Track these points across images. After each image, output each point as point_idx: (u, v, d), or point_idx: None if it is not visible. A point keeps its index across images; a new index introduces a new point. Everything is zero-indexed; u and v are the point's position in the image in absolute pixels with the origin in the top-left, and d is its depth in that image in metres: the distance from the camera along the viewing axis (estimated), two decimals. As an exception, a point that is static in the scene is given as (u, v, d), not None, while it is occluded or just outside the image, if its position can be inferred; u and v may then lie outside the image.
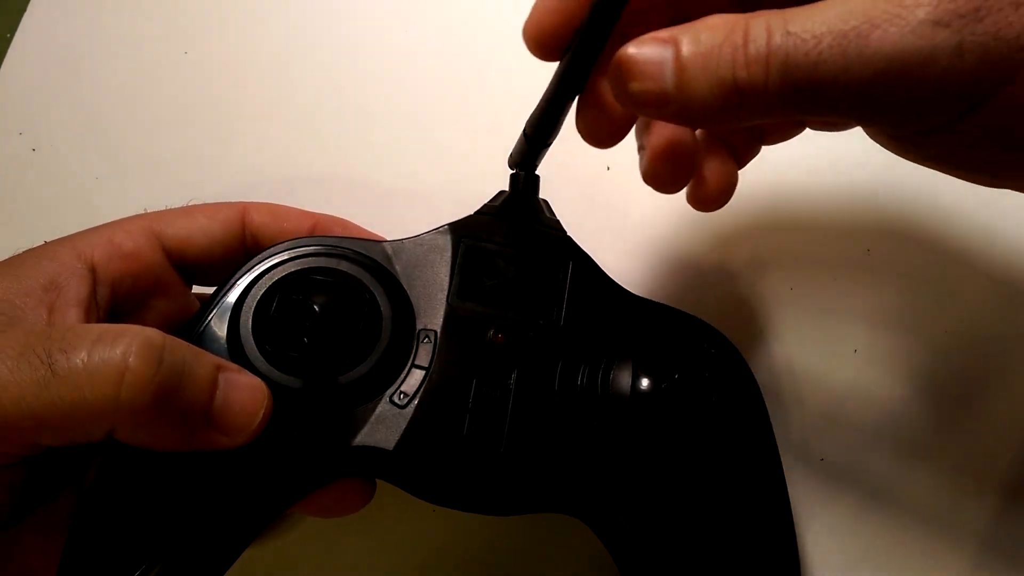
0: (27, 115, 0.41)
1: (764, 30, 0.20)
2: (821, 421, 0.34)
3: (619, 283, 0.29)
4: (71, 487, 0.25)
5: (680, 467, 0.26)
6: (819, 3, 0.21)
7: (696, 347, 0.27)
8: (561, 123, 0.26)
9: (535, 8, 0.25)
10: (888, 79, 0.20)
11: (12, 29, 0.43)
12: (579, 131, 0.27)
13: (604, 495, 0.25)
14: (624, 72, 0.22)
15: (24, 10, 0.44)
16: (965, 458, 0.33)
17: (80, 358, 0.21)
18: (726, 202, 0.30)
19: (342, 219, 0.31)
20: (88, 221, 0.38)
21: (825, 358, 0.35)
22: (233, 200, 0.30)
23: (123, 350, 0.21)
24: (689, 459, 0.26)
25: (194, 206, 0.29)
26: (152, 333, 0.22)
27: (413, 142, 0.40)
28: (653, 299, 0.29)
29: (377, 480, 0.27)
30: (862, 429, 0.33)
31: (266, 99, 0.41)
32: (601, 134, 0.27)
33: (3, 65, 0.42)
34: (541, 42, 0.25)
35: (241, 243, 0.29)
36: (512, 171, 0.29)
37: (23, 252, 0.26)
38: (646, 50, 0.21)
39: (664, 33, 0.22)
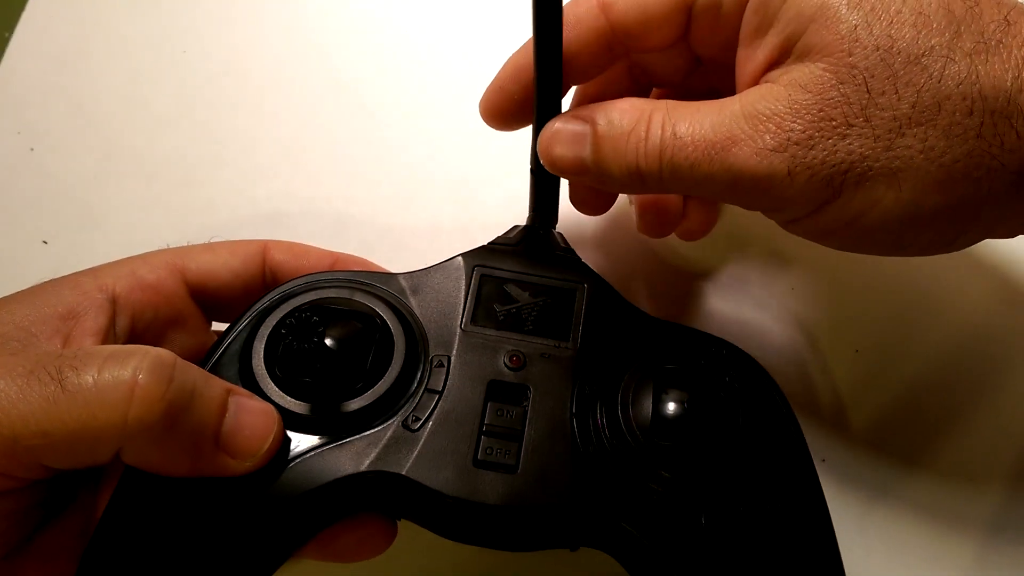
0: (25, 115, 0.41)
1: (660, 127, 0.25)
2: (821, 421, 0.33)
3: (631, 302, 0.28)
4: (76, 518, 0.25)
5: (710, 492, 0.24)
6: (706, 105, 0.25)
7: (718, 368, 0.26)
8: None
9: (485, 93, 0.30)
10: (741, 187, 0.24)
11: (11, 29, 0.43)
12: (572, 203, 0.32)
13: (628, 525, 0.24)
14: (550, 140, 0.26)
15: (23, 10, 0.44)
16: (966, 457, 0.33)
17: (91, 375, 0.21)
18: (709, 231, 0.34)
19: (361, 258, 0.31)
20: (86, 221, 0.38)
21: (825, 358, 0.35)
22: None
23: (134, 367, 0.21)
24: (719, 483, 0.24)
25: (216, 243, 0.30)
26: (163, 353, 0.22)
27: (416, 154, 0.40)
28: (656, 302, 0.29)
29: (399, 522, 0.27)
30: (862, 429, 0.33)
31: (266, 99, 0.41)
32: (591, 204, 0.32)
33: (2, 65, 0.42)
34: (494, 116, 0.30)
35: (261, 279, 0.29)
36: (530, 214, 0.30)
37: (46, 281, 0.26)
38: (569, 125, 0.26)
39: (584, 111, 0.26)
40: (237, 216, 0.38)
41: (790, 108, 0.23)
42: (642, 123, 0.25)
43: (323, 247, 0.31)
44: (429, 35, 0.43)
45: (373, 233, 0.38)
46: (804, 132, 0.23)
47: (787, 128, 0.23)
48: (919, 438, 0.33)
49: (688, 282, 0.36)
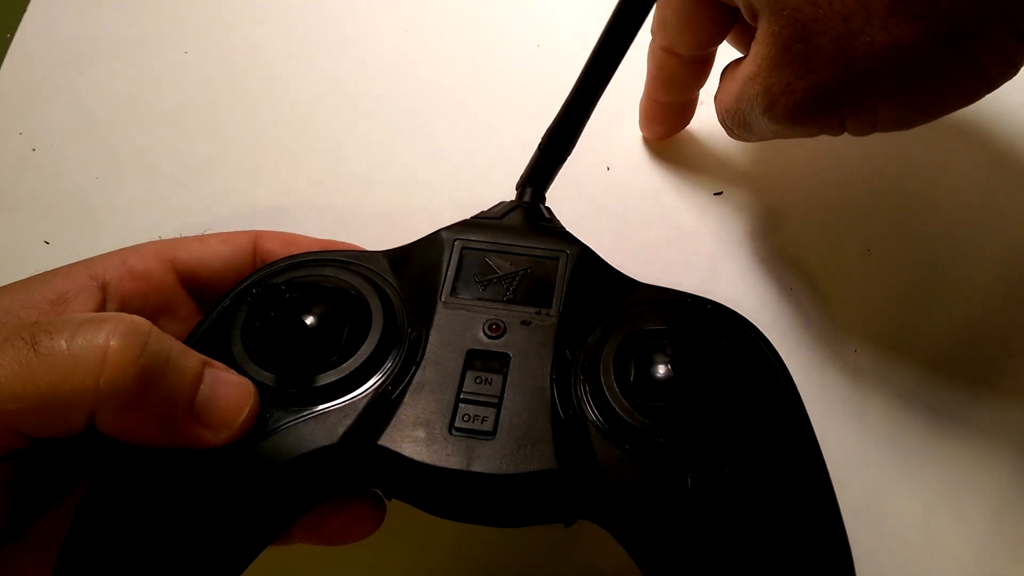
0: (27, 115, 0.41)
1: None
2: (821, 421, 0.33)
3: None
4: (71, 508, 0.25)
5: (695, 454, 0.23)
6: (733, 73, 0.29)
7: (701, 324, 0.25)
8: (577, 138, 0.28)
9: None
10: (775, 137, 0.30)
11: (12, 29, 0.43)
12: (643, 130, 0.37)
13: (618, 495, 0.23)
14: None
15: (24, 10, 0.44)
16: (965, 458, 0.33)
17: (64, 339, 0.21)
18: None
19: (352, 244, 0.31)
20: (87, 221, 0.39)
21: (825, 358, 0.35)
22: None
23: (107, 332, 0.21)
24: (705, 443, 0.24)
25: (208, 234, 0.30)
26: (139, 320, 0.22)
27: (416, 155, 0.40)
28: None
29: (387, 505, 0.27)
30: (862, 429, 0.33)
31: (266, 99, 0.41)
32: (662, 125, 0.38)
33: (3, 65, 0.42)
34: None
35: (252, 268, 0.29)
36: (519, 189, 0.29)
37: (40, 272, 0.26)
38: None
39: None
40: (239, 216, 0.38)
41: (759, 65, 0.26)
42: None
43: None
44: (429, 35, 0.43)
45: (374, 234, 0.38)
46: (782, 81, 0.25)
47: (768, 83, 0.26)
48: (919, 437, 0.33)
49: (686, 283, 0.36)
